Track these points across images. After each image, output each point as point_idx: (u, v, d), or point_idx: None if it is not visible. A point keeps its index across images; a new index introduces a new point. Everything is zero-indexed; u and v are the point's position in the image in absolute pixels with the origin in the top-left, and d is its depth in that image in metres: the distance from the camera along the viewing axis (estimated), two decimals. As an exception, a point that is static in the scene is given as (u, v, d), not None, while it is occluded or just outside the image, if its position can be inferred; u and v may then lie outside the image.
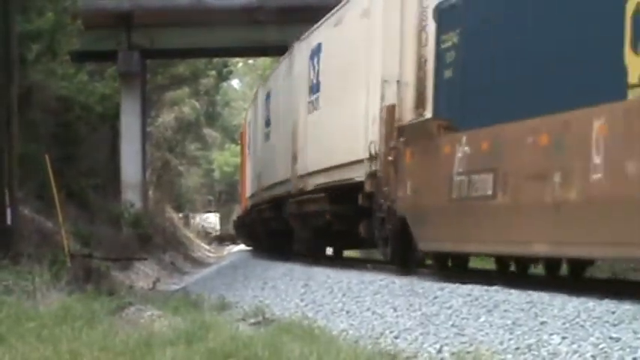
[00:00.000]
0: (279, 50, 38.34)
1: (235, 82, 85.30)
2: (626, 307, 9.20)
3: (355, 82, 18.30)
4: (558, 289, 11.32)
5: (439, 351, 9.18)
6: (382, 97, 16.68)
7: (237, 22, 34.69)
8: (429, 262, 16.86)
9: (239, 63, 72.79)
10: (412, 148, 15.33)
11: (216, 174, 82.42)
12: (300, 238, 24.47)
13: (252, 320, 12.85)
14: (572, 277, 14.83)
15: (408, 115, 16.20)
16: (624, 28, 10.26)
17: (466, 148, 13.47)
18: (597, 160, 10.54)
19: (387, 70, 16.60)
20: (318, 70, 21.56)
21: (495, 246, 13.27)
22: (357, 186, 17.49)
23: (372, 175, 16.78)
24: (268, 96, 29.98)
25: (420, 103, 16.07)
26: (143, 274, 27.99)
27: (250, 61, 75.44)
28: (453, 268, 15.62)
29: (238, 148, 59.59)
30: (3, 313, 11.21)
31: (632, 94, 10.17)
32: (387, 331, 10.53)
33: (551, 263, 15.22)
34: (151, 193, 47.38)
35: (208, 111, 60.41)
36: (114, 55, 34.94)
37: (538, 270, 16.22)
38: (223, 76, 55.06)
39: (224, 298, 15.96)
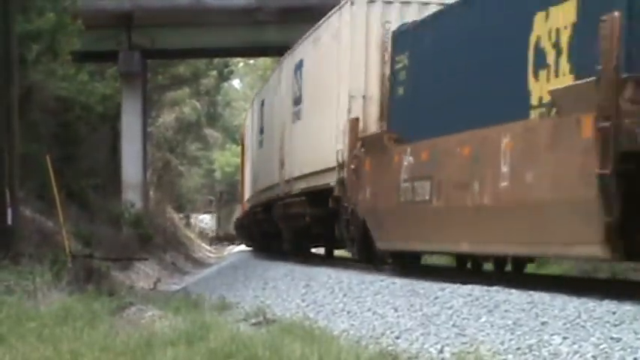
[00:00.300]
0: (279, 50, 38.34)
1: (236, 83, 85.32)
2: (627, 308, 9.20)
3: (329, 97, 20.08)
4: (559, 290, 11.33)
5: (440, 351, 9.18)
6: (349, 111, 18.43)
7: (237, 23, 34.69)
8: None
9: (240, 63, 72.76)
10: (370, 157, 17.22)
11: (217, 174, 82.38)
12: (286, 239, 26.10)
13: (253, 320, 12.84)
14: (515, 272, 16.14)
15: (372, 126, 18.09)
16: (528, 58, 12.32)
17: (410, 158, 15.52)
18: (505, 169, 12.41)
19: (354, 86, 18.39)
20: (300, 84, 23.51)
21: (433, 245, 15.31)
22: (331, 191, 19.16)
23: (340, 181, 18.47)
24: (262, 104, 31.32)
25: (382, 116, 17.88)
26: (144, 275, 27.99)
27: (251, 62, 75.42)
28: (409, 265, 17.27)
29: (239, 148, 59.59)
30: (4, 313, 11.22)
31: (533, 114, 12.08)
32: (388, 332, 10.53)
33: (499, 260, 16.49)
34: (151, 193, 47.37)
35: (209, 111, 60.37)
36: (114, 56, 34.93)
37: (533, 268, 16.25)
38: (224, 77, 55.06)
39: (225, 299, 15.97)
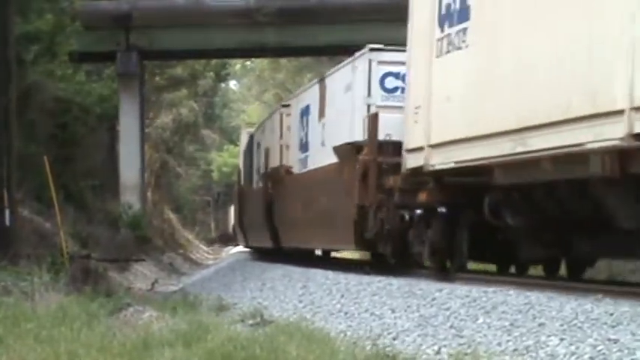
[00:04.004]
0: (277, 52, 38.34)
1: (233, 84, 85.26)
2: (624, 309, 9.20)
3: None
4: (556, 291, 11.33)
5: (437, 352, 9.18)
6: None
7: (236, 24, 34.66)
8: None
9: (237, 65, 72.70)
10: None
11: (215, 175, 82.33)
12: None
13: (251, 321, 12.83)
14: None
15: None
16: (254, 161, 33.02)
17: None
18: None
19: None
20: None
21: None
22: None
23: None
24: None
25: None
26: (141, 276, 27.98)
27: (248, 63, 75.40)
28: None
29: (237, 149, 59.63)
30: (1, 314, 11.21)
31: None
32: (386, 333, 10.54)
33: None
34: (149, 194, 47.33)
35: (207, 112, 60.31)
36: (112, 56, 34.89)
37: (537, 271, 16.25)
38: (221, 78, 54.99)
39: (222, 300, 15.96)
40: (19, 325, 10.42)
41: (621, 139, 10.02)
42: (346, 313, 12.42)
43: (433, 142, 14.51)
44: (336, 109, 20.31)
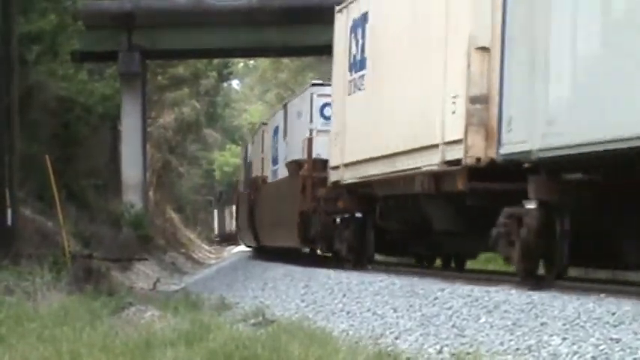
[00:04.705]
0: (279, 51, 38.36)
1: (235, 83, 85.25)
2: (626, 308, 9.19)
3: None
4: (558, 290, 11.32)
5: (439, 352, 9.18)
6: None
7: (238, 23, 34.66)
8: None
9: (239, 64, 72.69)
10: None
11: (217, 174, 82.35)
12: None
13: (253, 321, 12.83)
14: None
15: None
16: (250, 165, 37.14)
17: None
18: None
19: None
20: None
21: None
22: None
23: None
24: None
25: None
26: (143, 275, 28.00)
27: (251, 62, 75.39)
28: None
29: (238, 149, 59.64)
30: (3, 313, 11.22)
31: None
32: (388, 332, 10.54)
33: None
34: (151, 193, 47.34)
35: (209, 111, 60.27)
36: (115, 56, 34.90)
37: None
38: (223, 77, 54.95)
39: (224, 299, 15.97)
40: (22, 325, 10.43)
41: (437, 164, 14.10)
42: (348, 313, 12.43)
43: (346, 161, 18.63)
44: (293, 131, 24.63)
